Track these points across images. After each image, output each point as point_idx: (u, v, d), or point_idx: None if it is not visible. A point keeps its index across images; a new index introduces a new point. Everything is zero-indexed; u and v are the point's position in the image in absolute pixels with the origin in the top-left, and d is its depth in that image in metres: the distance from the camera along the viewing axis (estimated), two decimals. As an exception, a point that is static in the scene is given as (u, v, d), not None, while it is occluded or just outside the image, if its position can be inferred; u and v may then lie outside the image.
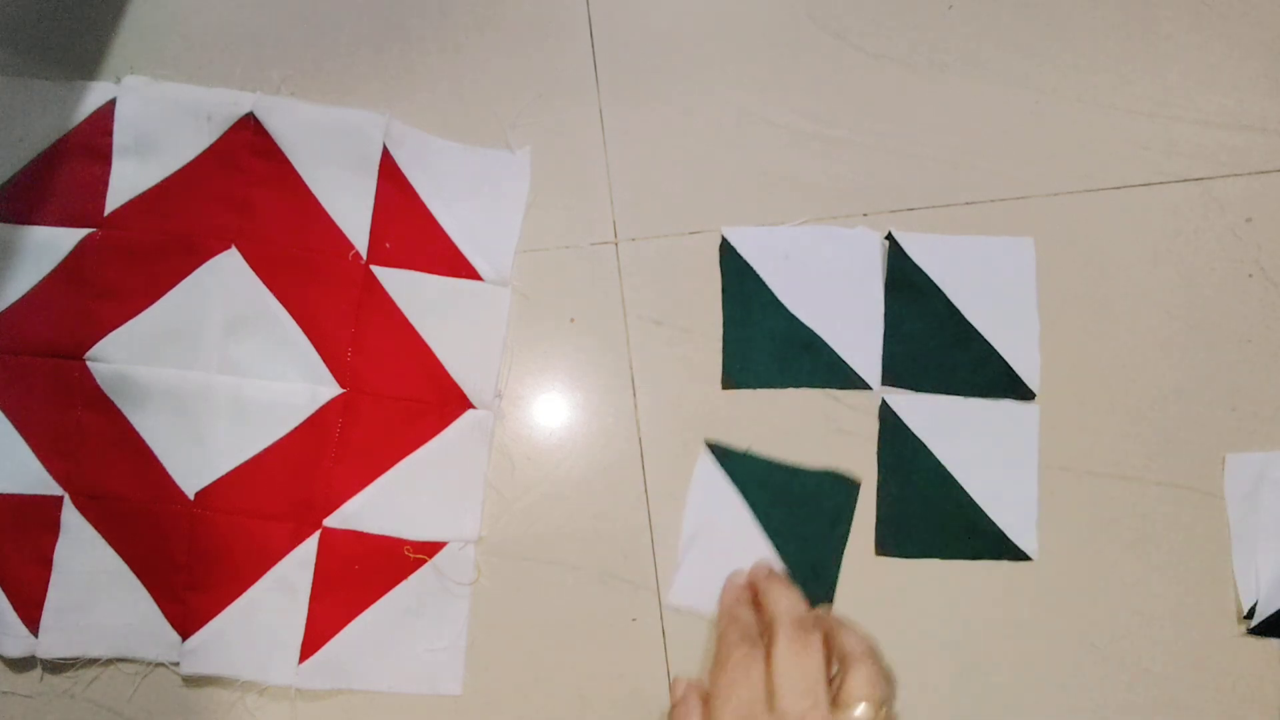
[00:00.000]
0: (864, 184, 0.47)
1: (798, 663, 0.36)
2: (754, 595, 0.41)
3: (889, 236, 0.46)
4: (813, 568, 0.44)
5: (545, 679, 0.43)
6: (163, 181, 0.44)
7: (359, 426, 0.44)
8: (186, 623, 0.42)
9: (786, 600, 0.39)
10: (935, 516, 0.45)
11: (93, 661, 0.42)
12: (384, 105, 0.46)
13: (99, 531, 0.42)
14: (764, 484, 0.44)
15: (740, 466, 0.45)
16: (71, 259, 0.44)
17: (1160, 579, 0.44)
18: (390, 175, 0.45)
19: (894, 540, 0.44)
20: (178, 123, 0.45)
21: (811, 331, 0.45)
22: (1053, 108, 0.48)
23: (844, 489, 0.45)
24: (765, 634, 0.38)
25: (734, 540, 0.44)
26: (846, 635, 0.38)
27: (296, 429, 0.43)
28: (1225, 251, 0.47)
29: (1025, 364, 0.46)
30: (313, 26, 0.47)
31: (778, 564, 0.44)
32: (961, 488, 0.45)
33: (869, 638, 0.38)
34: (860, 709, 0.35)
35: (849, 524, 0.44)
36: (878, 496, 0.45)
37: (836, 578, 0.44)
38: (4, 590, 0.42)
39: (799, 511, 0.44)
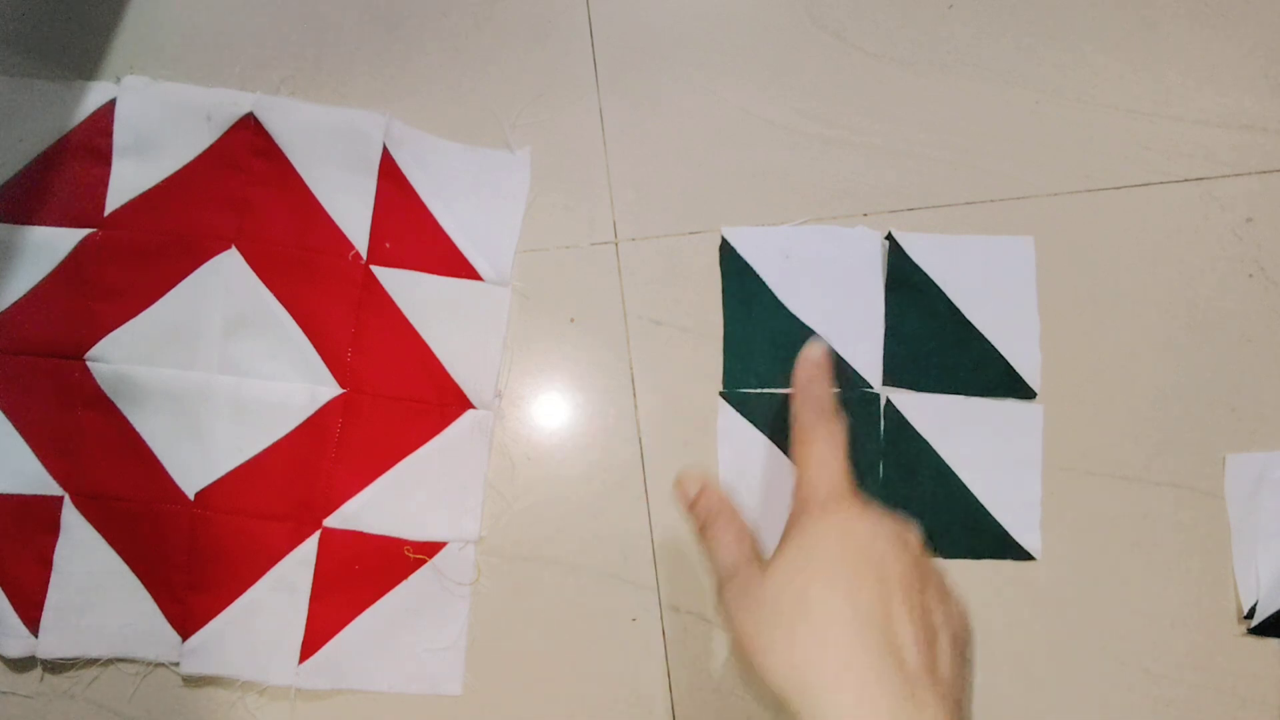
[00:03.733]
0: (864, 184, 0.47)
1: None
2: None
3: (889, 236, 0.46)
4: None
5: (545, 679, 0.43)
6: (163, 181, 0.44)
7: (359, 426, 0.44)
8: (186, 623, 0.42)
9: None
10: (939, 515, 0.45)
11: (93, 661, 0.42)
12: (384, 105, 0.46)
13: (99, 531, 0.42)
14: (786, 420, 0.44)
15: (759, 408, 0.45)
16: (71, 259, 0.44)
17: (1160, 579, 0.44)
18: (390, 175, 0.45)
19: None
20: (178, 123, 0.45)
21: (812, 331, 0.45)
22: (1053, 108, 0.48)
23: (862, 402, 0.45)
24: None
25: (771, 483, 0.45)
26: None
27: (296, 429, 0.43)
28: (1225, 251, 0.47)
29: (1026, 363, 0.46)
30: (313, 26, 0.47)
31: None
32: (965, 487, 0.45)
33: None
34: None
35: (878, 438, 0.45)
36: (882, 496, 0.45)
37: (880, 492, 0.45)
38: (4, 590, 0.42)
39: None
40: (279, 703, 0.43)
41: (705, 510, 0.37)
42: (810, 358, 0.41)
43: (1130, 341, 0.46)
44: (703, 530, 0.37)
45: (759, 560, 0.36)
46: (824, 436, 0.38)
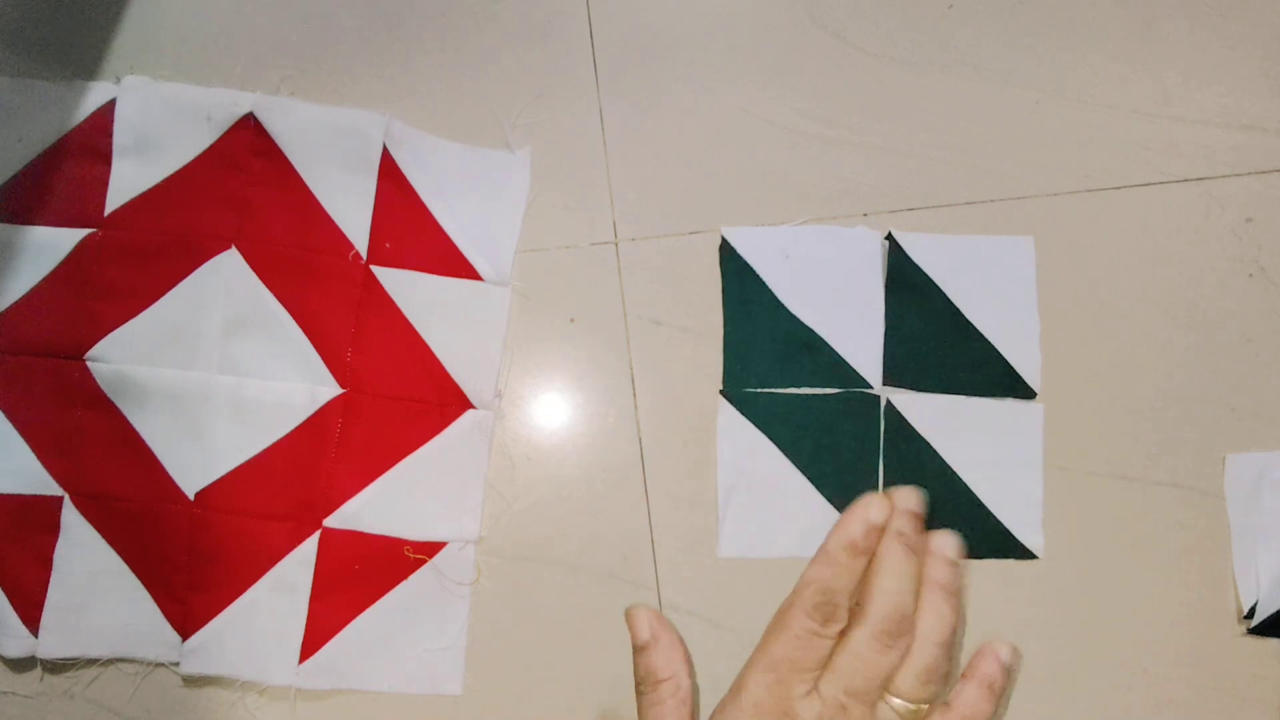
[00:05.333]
0: (864, 184, 0.47)
1: (868, 662, 0.36)
2: (869, 550, 0.38)
3: (889, 236, 0.46)
4: (850, 490, 0.44)
5: (545, 679, 0.43)
6: (163, 181, 0.44)
7: (359, 426, 0.44)
8: (186, 623, 0.42)
9: (895, 584, 0.36)
10: (940, 515, 0.44)
11: (93, 661, 0.42)
12: (384, 105, 0.46)
13: (99, 531, 0.42)
14: (786, 419, 0.45)
15: (759, 407, 0.45)
16: (71, 259, 0.44)
17: (1160, 579, 0.44)
18: (390, 175, 0.45)
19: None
20: (178, 123, 0.45)
21: (812, 331, 0.45)
22: (1053, 108, 0.48)
23: (863, 404, 0.45)
24: (854, 611, 0.36)
25: (771, 482, 0.44)
26: (928, 618, 0.37)
27: (296, 429, 0.43)
28: (1225, 251, 0.47)
29: (1026, 363, 0.46)
30: (313, 26, 0.47)
31: (821, 503, 0.44)
32: (967, 487, 0.45)
33: (950, 623, 0.37)
34: (896, 703, 0.36)
35: (877, 439, 0.45)
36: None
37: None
38: (4, 590, 0.42)
39: (825, 439, 0.45)
40: (279, 703, 0.43)
41: (654, 667, 0.36)
42: (849, 533, 0.37)
43: (1130, 341, 0.46)
44: (643, 688, 0.36)
45: None
46: (803, 635, 0.36)
